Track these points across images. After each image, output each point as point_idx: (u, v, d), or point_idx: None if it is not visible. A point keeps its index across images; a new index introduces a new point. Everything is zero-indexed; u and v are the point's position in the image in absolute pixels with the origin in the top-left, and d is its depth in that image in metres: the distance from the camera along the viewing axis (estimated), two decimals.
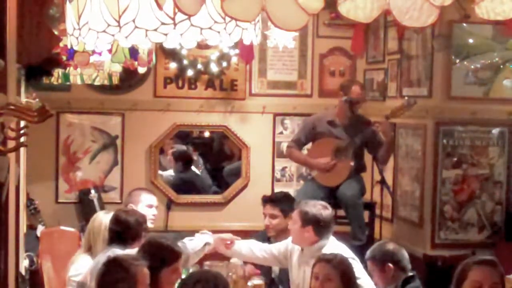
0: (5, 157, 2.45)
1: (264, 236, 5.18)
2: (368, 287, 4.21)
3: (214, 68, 6.93)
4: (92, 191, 6.62)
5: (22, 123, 2.43)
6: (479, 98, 6.16)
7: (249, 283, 4.62)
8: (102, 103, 6.81)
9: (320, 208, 4.50)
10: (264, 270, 5.04)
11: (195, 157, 8.54)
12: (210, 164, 8.81)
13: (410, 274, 4.15)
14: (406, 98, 6.05)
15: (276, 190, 7.08)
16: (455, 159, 6.14)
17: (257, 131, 7.14)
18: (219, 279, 3.36)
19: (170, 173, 7.79)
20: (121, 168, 6.89)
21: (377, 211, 6.38)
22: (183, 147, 8.25)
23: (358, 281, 4.16)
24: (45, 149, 6.63)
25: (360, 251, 5.67)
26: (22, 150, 4.61)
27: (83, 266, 4.32)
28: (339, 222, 6.43)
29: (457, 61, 6.11)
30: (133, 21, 2.43)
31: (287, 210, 5.03)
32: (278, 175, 7.20)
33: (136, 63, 4.38)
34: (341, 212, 6.36)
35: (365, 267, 4.38)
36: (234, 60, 6.99)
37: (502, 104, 6.19)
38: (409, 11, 2.55)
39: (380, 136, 6.06)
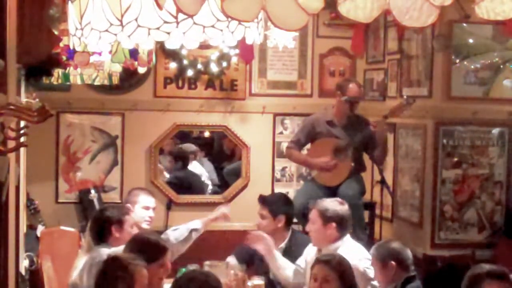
0: (5, 157, 2.45)
1: None
2: None
3: (214, 68, 6.93)
4: (92, 191, 6.62)
5: (22, 123, 2.43)
6: (479, 98, 6.16)
7: (249, 283, 4.62)
8: (102, 103, 6.81)
9: (338, 204, 4.61)
10: (262, 269, 5.05)
11: (199, 156, 8.58)
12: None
13: (412, 274, 4.14)
14: (405, 97, 6.05)
15: (276, 190, 7.09)
16: (455, 159, 6.14)
17: (257, 131, 7.14)
18: (211, 279, 3.36)
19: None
20: (121, 168, 6.89)
21: (377, 211, 6.38)
22: (193, 146, 8.30)
23: (373, 283, 4.16)
24: (45, 149, 6.63)
25: None
26: (22, 150, 4.61)
27: None
28: None
29: (457, 61, 6.11)
30: (136, 20, 2.43)
31: (276, 211, 5.06)
32: (278, 175, 7.20)
33: (136, 63, 4.38)
34: None
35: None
36: (234, 60, 6.98)
37: (502, 104, 6.19)
38: (409, 11, 2.55)
39: (376, 136, 6.06)
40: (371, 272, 4.30)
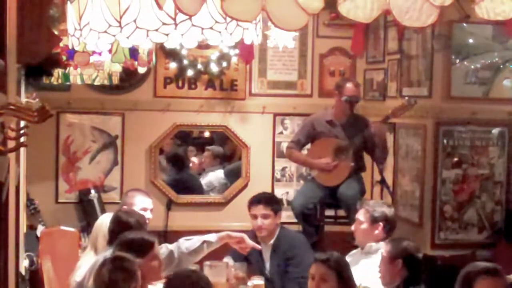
0: (5, 157, 2.45)
1: (253, 240, 5.20)
2: None
3: (214, 68, 6.93)
4: (92, 191, 6.62)
5: (22, 123, 2.43)
6: (479, 98, 6.16)
7: (249, 283, 4.62)
8: (102, 103, 6.81)
9: (386, 206, 4.72)
10: (257, 266, 5.07)
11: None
12: None
13: (417, 275, 4.12)
14: (406, 98, 6.05)
15: (276, 190, 7.10)
16: (455, 159, 6.14)
17: (257, 131, 7.14)
18: (202, 279, 3.37)
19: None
20: (121, 168, 6.89)
21: None
22: (220, 149, 8.37)
23: None
24: (45, 149, 6.63)
25: None
26: (22, 150, 4.61)
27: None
28: (339, 222, 6.45)
29: (457, 61, 6.11)
30: (134, 21, 2.43)
31: (277, 209, 5.17)
32: (278, 175, 7.20)
33: (136, 63, 4.38)
34: (341, 212, 6.36)
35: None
36: (234, 60, 6.98)
37: (502, 104, 6.19)
38: (409, 11, 2.56)
39: (375, 136, 6.07)
40: None
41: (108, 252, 4.04)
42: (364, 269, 4.41)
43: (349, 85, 6.17)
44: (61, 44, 3.57)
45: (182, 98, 6.98)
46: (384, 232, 4.61)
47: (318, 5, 2.41)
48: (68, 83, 5.53)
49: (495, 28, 5.99)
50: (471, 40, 6.12)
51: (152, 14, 2.40)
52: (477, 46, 6.13)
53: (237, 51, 6.77)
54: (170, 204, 6.95)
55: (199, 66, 6.93)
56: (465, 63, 6.12)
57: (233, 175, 7.59)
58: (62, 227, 5.86)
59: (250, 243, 4.67)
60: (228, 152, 8.65)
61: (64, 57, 4.07)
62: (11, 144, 2.44)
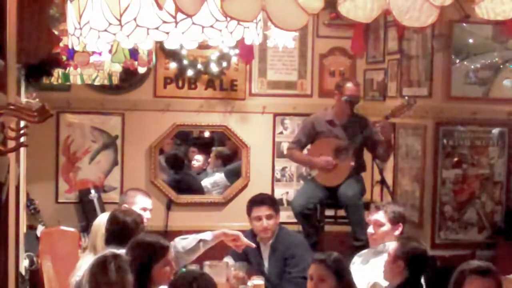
0: (5, 157, 2.45)
1: (252, 240, 5.21)
2: None
3: (214, 68, 6.93)
4: (92, 191, 6.62)
5: (22, 123, 2.43)
6: (479, 98, 6.16)
7: (249, 283, 4.62)
8: (102, 103, 6.81)
9: (399, 206, 4.80)
10: (257, 265, 5.08)
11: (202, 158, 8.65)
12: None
13: (418, 277, 4.11)
14: (406, 98, 6.05)
15: (276, 190, 7.10)
16: (455, 159, 6.14)
17: (257, 131, 7.14)
18: (208, 280, 3.37)
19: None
20: (121, 168, 6.89)
21: None
22: (225, 149, 8.42)
23: None
24: (45, 149, 6.63)
25: (360, 251, 5.68)
26: (22, 150, 4.61)
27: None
28: (339, 222, 6.46)
29: (457, 61, 6.11)
30: (135, 19, 2.43)
31: (279, 209, 5.22)
32: (278, 175, 7.20)
33: (136, 63, 4.38)
34: (341, 212, 6.37)
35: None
36: (234, 60, 6.98)
37: (502, 104, 6.19)
38: (409, 11, 2.56)
39: (378, 135, 6.07)
40: None
41: (107, 252, 4.04)
42: (374, 267, 4.41)
43: (349, 85, 6.18)
44: (61, 44, 3.57)
45: (182, 98, 6.98)
46: (403, 232, 4.63)
47: (318, 5, 2.41)
48: (68, 83, 5.52)
49: (495, 28, 5.99)
50: (471, 40, 6.13)
51: (152, 13, 2.40)
52: (477, 46, 6.13)
53: (237, 51, 6.77)
54: (170, 204, 6.95)
55: (199, 66, 6.93)
56: (465, 63, 6.12)
57: (233, 175, 7.59)
58: (62, 227, 5.86)
59: (245, 241, 4.66)
60: (231, 152, 8.66)
61: (64, 57, 4.07)
62: (11, 144, 2.44)
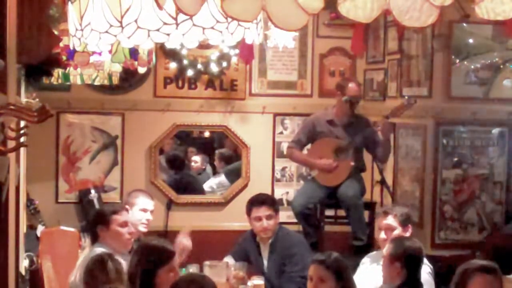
0: (5, 157, 2.45)
1: (252, 240, 5.21)
2: None
3: (214, 68, 6.93)
4: (92, 191, 6.62)
5: (22, 123, 2.43)
6: (479, 98, 6.16)
7: (249, 283, 4.63)
8: (102, 103, 6.81)
9: (405, 207, 4.86)
10: (257, 265, 5.08)
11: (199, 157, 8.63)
12: (210, 164, 8.84)
13: (416, 277, 4.11)
14: (406, 97, 6.05)
15: (276, 190, 7.10)
16: (455, 159, 6.14)
17: (257, 131, 7.14)
18: (208, 282, 3.37)
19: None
20: (121, 168, 6.89)
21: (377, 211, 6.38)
22: (229, 151, 8.42)
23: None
24: (45, 149, 6.63)
25: (360, 251, 5.69)
26: (22, 150, 4.61)
27: None
28: (339, 222, 6.46)
29: (457, 61, 6.11)
30: (136, 21, 2.43)
31: (278, 209, 5.22)
32: (278, 175, 7.20)
33: (136, 63, 4.39)
34: (341, 212, 6.36)
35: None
36: (234, 60, 6.99)
37: (502, 104, 6.19)
38: (409, 11, 2.55)
39: (378, 135, 6.07)
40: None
41: (94, 251, 4.07)
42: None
43: (351, 85, 6.17)
44: (61, 44, 3.57)
45: (182, 98, 6.98)
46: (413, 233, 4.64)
47: (318, 5, 2.41)
48: (68, 83, 5.52)
49: (495, 28, 5.99)
50: (471, 40, 6.13)
51: (153, 14, 2.40)
52: (477, 46, 6.13)
53: (237, 51, 6.77)
54: (170, 204, 6.95)
55: (199, 66, 6.93)
56: (465, 63, 6.12)
57: (233, 175, 7.60)
58: (62, 227, 5.86)
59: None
60: (233, 153, 8.67)
61: (64, 57, 4.07)
62: (11, 144, 2.44)
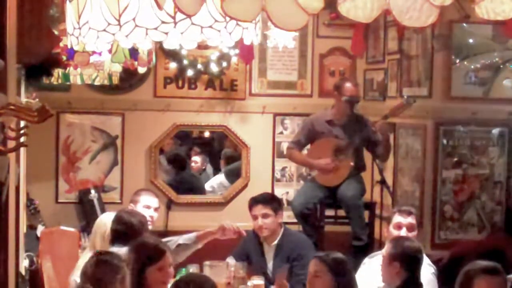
0: (5, 157, 2.45)
1: (255, 240, 5.21)
2: None
3: (214, 68, 6.93)
4: (92, 191, 6.62)
5: (22, 123, 2.43)
6: (479, 98, 6.16)
7: (249, 283, 4.62)
8: (102, 103, 6.81)
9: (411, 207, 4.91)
10: (259, 266, 5.08)
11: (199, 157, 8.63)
12: (210, 164, 8.83)
13: (416, 277, 4.10)
14: (405, 97, 6.05)
15: (276, 190, 7.10)
16: (455, 159, 6.14)
17: (257, 131, 7.14)
18: (208, 282, 3.37)
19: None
20: (121, 168, 6.89)
21: (377, 211, 6.38)
22: (231, 151, 8.41)
23: None
24: (45, 149, 6.63)
25: (360, 251, 5.69)
26: (22, 150, 4.61)
27: None
28: (339, 222, 6.46)
29: (457, 61, 6.11)
30: (134, 20, 2.43)
31: (277, 208, 5.16)
32: (278, 175, 7.20)
33: (136, 63, 4.39)
34: (341, 212, 6.36)
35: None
36: (234, 60, 6.98)
37: (502, 104, 6.19)
38: (409, 11, 2.56)
39: (378, 135, 6.07)
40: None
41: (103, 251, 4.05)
42: None
43: (348, 85, 6.18)
44: (61, 44, 3.57)
45: (182, 98, 6.98)
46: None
47: (318, 5, 2.41)
48: (68, 83, 5.53)
49: (495, 28, 5.98)
50: (471, 40, 6.12)
51: (151, 13, 2.40)
52: (477, 46, 6.13)
53: (237, 51, 6.77)
54: (170, 204, 6.96)
55: (199, 66, 6.93)
56: (465, 63, 6.12)
57: (233, 175, 7.60)
58: (62, 227, 5.86)
59: (230, 225, 4.75)
60: (236, 153, 8.68)
61: (64, 57, 4.07)
62: (11, 144, 2.44)
